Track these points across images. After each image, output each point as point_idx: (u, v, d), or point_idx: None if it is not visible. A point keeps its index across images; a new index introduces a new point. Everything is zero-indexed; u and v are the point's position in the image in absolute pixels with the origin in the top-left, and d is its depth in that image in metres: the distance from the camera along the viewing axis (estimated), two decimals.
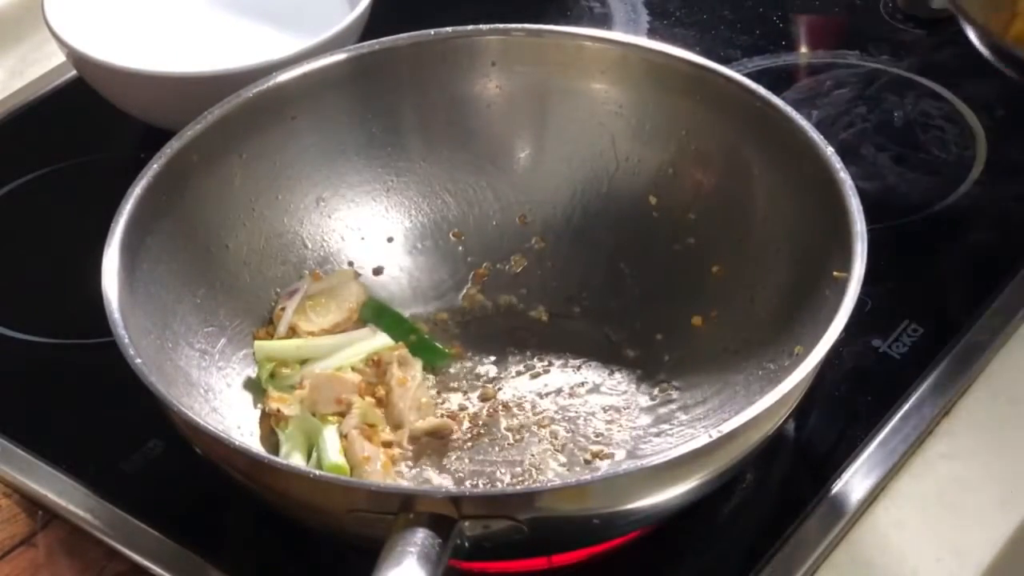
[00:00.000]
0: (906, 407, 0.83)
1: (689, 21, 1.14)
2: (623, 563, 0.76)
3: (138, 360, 0.72)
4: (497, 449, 0.81)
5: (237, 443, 0.70)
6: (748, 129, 0.85)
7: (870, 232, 0.76)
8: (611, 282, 0.89)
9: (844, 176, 0.78)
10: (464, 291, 0.90)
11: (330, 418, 0.81)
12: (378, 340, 0.85)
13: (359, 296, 0.88)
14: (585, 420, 0.82)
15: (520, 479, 0.79)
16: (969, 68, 1.07)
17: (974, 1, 0.99)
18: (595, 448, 0.81)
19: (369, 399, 0.82)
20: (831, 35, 1.13)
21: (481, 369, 0.86)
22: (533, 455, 0.80)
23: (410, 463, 0.80)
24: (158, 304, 0.80)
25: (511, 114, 0.92)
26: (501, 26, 0.91)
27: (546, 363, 0.86)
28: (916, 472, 0.81)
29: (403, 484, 0.78)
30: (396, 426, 0.81)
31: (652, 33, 1.13)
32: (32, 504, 0.81)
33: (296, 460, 0.78)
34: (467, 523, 0.66)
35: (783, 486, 0.81)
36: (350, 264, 0.90)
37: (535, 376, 0.85)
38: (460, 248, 0.91)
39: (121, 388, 0.73)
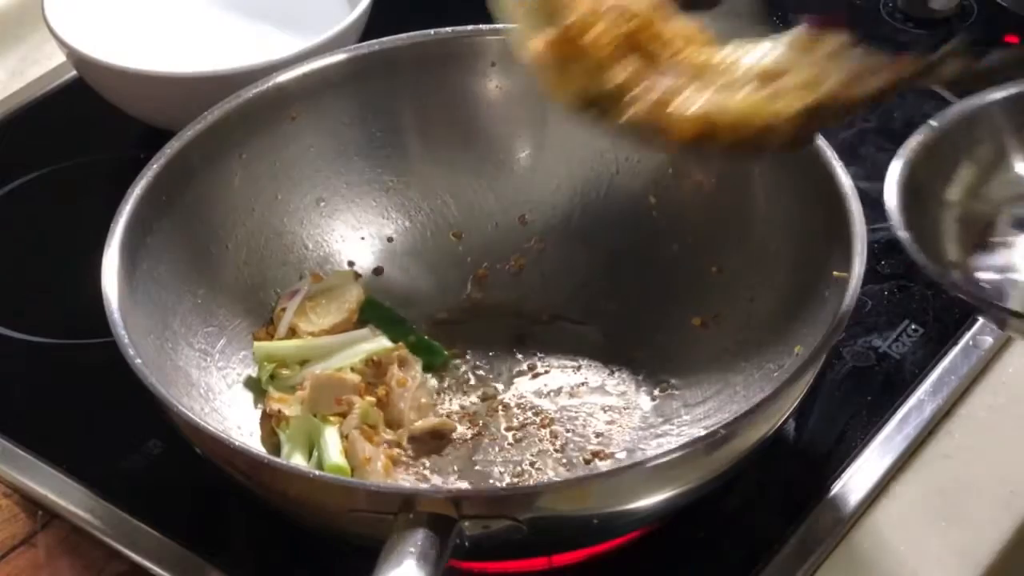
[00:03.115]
0: (906, 407, 0.83)
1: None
2: (623, 563, 0.76)
3: (138, 360, 0.72)
4: (497, 449, 0.81)
5: (237, 443, 0.70)
6: None
7: (870, 232, 0.76)
8: (611, 282, 0.89)
9: (844, 176, 0.78)
10: (464, 291, 0.90)
11: (331, 419, 0.81)
12: (378, 341, 0.85)
13: (359, 297, 0.88)
14: (585, 420, 0.82)
15: (520, 479, 0.79)
16: None
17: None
18: (595, 448, 0.81)
19: (369, 399, 0.82)
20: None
21: (481, 369, 0.86)
22: (533, 455, 0.80)
23: (410, 463, 0.80)
24: (158, 304, 0.80)
25: (511, 114, 0.92)
26: (501, 26, 0.91)
27: (546, 363, 0.86)
28: (916, 472, 0.81)
29: (403, 484, 0.78)
30: (396, 426, 0.81)
31: None
32: (32, 504, 0.81)
33: (297, 460, 0.78)
34: (467, 523, 0.66)
35: (783, 486, 0.81)
36: (350, 264, 0.90)
37: (535, 376, 0.85)
38: (460, 248, 0.91)
39: (121, 388, 0.73)
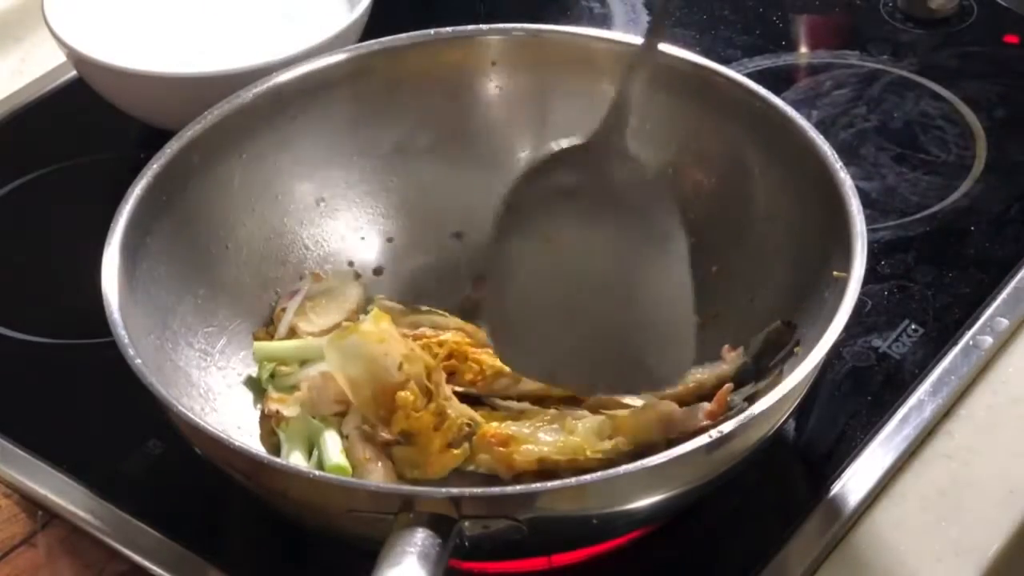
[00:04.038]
0: (906, 407, 0.83)
1: (689, 21, 1.14)
2: (623, 563, 0.76)
3: (138, 360, 0.72)
4: None
5: (237, 444, 0.70)
6: (748, 129, 0.85)
7: (870, 232, 0.76)
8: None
9: (844, 176, 0.78)
10: (464, 291, 0.90)
11: (330, 418, 0.80)
12: None
13: (359, 297, 0.88)
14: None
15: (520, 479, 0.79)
16: (969, 68, 1.07)
17: None
18: None
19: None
20: (831, 35, 1.13)
21: None
22: None
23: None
24: (158, 304, 0.80)
25: (511, 114, 0.92)
26: (501, 26, 0.91)
27: None
28: (916, 472, 0.81)
29: (403, 484, 0.78)
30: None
31: None
32: (32, 504, 0.81)
33: (297, 460, 0.78)
34: (467, 523, 0.66)
35: (783, 486, 0.81)
36: (350, 264, 0.90)
37: None
38: (460, 248, 0.91)
39: (121, 388, 0.73)
